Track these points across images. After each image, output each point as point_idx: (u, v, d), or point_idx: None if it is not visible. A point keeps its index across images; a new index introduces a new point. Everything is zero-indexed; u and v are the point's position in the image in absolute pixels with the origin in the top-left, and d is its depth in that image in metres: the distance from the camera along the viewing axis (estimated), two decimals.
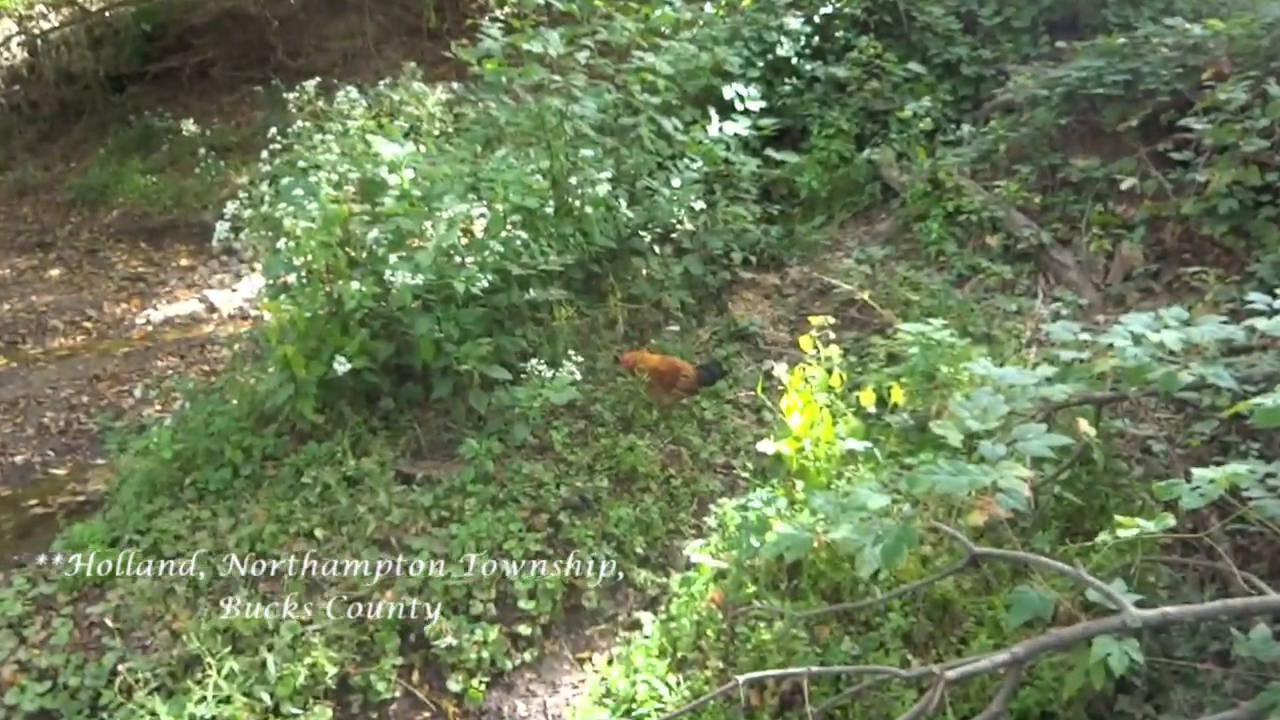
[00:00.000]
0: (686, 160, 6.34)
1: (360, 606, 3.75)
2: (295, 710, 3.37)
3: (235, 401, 4.74)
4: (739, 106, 7.13)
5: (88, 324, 7.50)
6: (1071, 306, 5.41)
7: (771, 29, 7.67)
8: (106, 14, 11.89)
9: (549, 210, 5.09)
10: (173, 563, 3.96)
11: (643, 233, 5.92)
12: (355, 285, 4.27)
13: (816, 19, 7.84)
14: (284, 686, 3.40)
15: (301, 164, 4.73)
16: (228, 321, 7.18)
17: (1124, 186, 5.77)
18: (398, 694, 3.52)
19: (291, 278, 4.51)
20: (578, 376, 4.55)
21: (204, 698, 3.32)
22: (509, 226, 4.75)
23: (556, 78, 5.76)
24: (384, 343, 4.54)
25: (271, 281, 4.69)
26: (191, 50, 11.95)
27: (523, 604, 3.76)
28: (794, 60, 7.69)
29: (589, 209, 5.34)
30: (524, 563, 3.91)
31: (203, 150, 5.87)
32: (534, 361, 4.52)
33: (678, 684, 3.42)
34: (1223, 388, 3.09)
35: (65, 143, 11.71)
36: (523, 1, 5.94)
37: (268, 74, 10.87)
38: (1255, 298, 3.29)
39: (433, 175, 4.92)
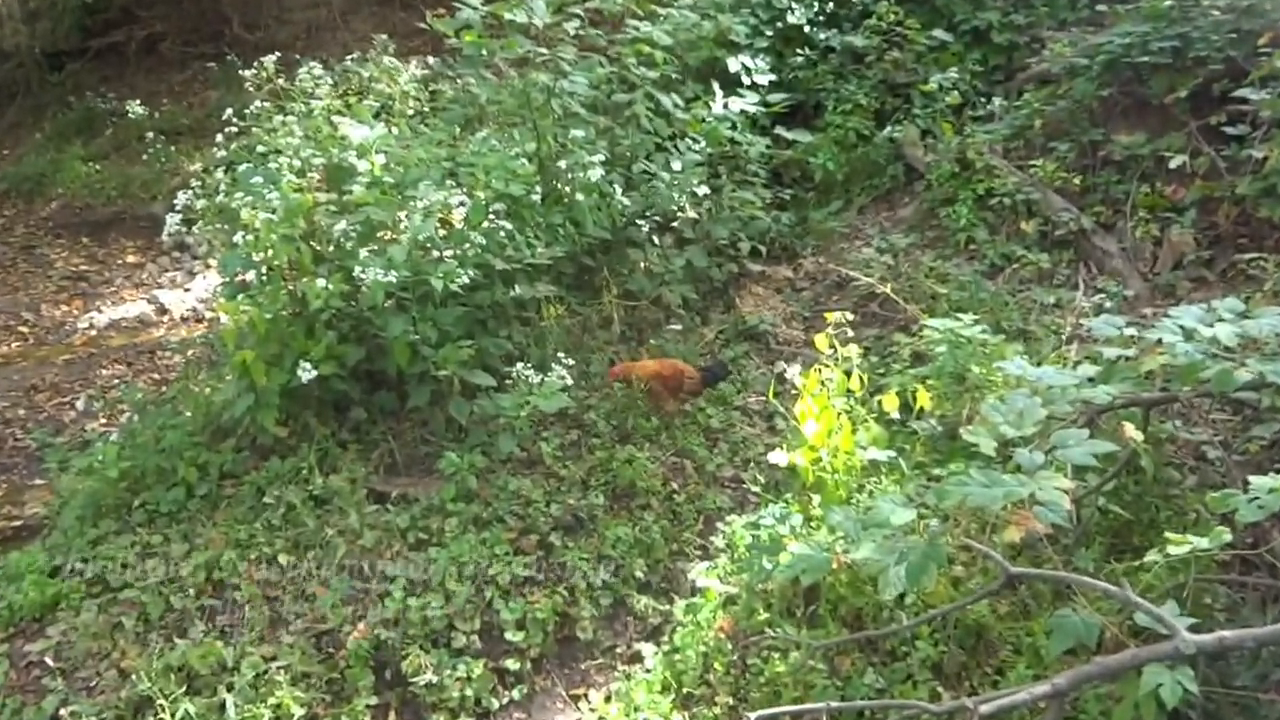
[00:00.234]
0: (688, 141, 6.35)
1: (329, 640, 3.74)
2: None
3: (189, 414, 4.73)
4: (746, 80, 7.14)
5: (24, 329, 7.49)
6: (1116, 298, 5.42)
7: None
8: None
9: (536, 198, 5.09)
10: (120, 594, 3.95)
11: (640, 222, 5.92)
12: (321, 283, 4.27)
13: None
14: None
15: (260, 149, 4.72)
16: (180, 325, 7.18)
17: (1173, 165, 5.78)
18: None
19: (250, 275, 4.50)
20: (569, 382, 4.55)
21: None
22: (491, 216, 4.75)
23: (543, 50, 5.76)
24: (354, 347, 4.54)
25: (228, 280, 4.68)
26: (138, 23, 11.95)
27: (510, 636, 3.75)
28: (806, 28, 7.71)
29: (580, 196, 5.34)
30: (511, 590, 3.90)
31: (151, 134, 5.87)
32: (520, 365, 4.52)
33: None
34: None
35: None
36: None
37: (222, 49, 10.88)
38: None
39: (406, 160, 4.92)
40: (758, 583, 3.66)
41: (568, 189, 5.39)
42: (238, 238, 4.34)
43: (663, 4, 6.82)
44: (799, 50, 7.65)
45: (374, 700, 3.57)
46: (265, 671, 3.58)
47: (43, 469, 5.23)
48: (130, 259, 8.55)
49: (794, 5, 7.68)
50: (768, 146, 6.93)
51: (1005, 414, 3.09)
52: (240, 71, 5.26)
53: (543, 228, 5.21)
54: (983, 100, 7.18)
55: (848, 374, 4.17)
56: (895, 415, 4.21)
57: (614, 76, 6.22)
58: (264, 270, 4.49)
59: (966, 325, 4.35)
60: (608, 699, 3.64)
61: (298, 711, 3.46)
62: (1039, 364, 3.79)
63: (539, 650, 3.76)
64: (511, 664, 3.70)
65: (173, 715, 3.39)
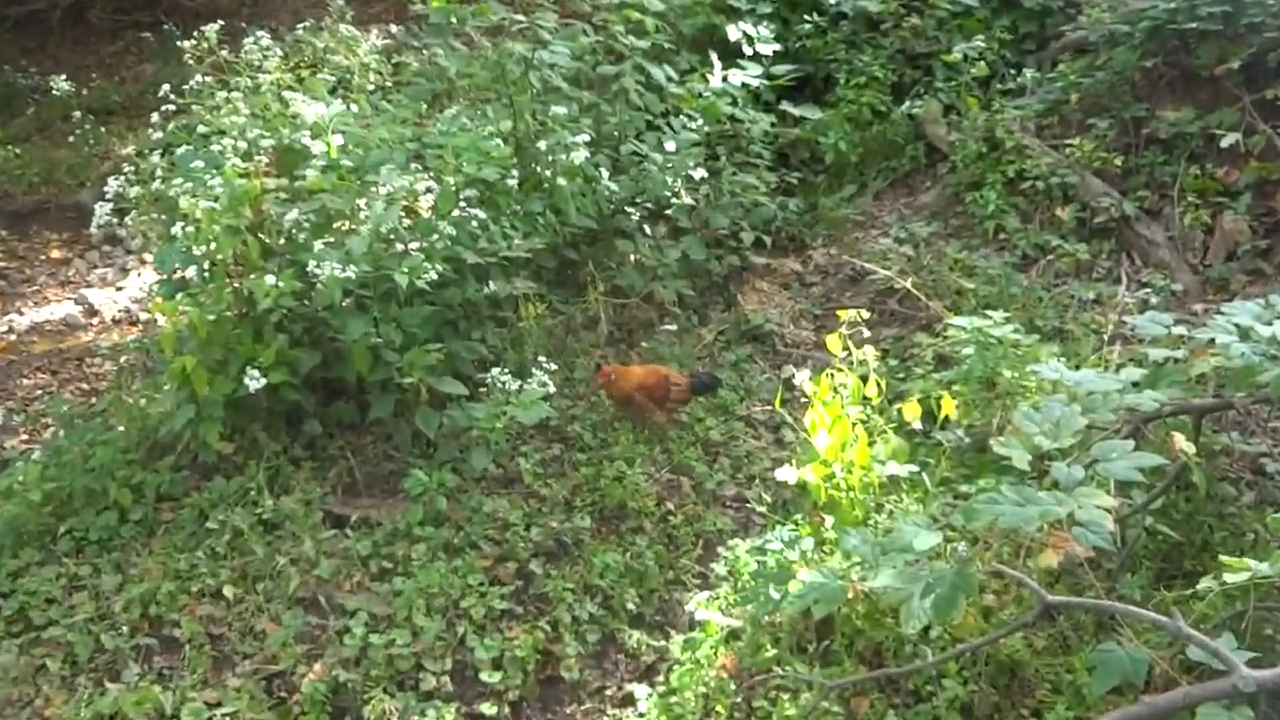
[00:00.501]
0: (683, 118, 6.35)
1: (282, 683, 3.72)
2: None
3: (121, 428, 4.71)
4: (747, 50, 7.14)
5: None
6: (1162, 293, 5.43)
7: None
8: None
9: (512, 183, 5.09)
10: (44, 633, 3.92)
11: (629, 209, 5.92)
12: (270, 280, 4.25)
13: None
14: None
15: (202, 129, 4.71)
16: (111, 328, 7.14)
17: (1224, 144, 5.80)
18: None
19: (190, 272, 4.48)
20: (551, 389, 4.54)
21: None
22: (462, 204, 4.74)
23: (519, 17, 5.76)
24: (308, 351, 4.52)
25: (165, 277, 4.66)
26: None
27: (486, 676, 3.74)
28: None
29: (562, 181, 5.34)
30: (487, 624, 3.89)
31: (78, 114, 5.87)
32: (496, 372, 4.51)
33: None
34: None
35: None
36: None
37: (158, 17, 10.84)
38: None
39: (366, 141, 4.91)
40: (764, 615, 3.66)
41: (548, 173, 5.38)
42: (176, 229, 4.32)
43: None
44: (806, 16, 7.65)
45: None
46: (209, 719, 3.56)
47: None
48: (55, 254, 8.51)
49: None
50: (772, 125, 6.93)
51: (1040, 423, 3.09)
52: (179, 42, 5.24)
53: (520, 217, 5.21)
54: (1012, 72, 7.20)
55: (864, 379, 4.17)
56: (917, 425, 4.20)
57: (599, 46, 6.22)
58: (206, 266, 4.46)
59: (996, 324, 4.36)
60: None
61: None
62: (1077, 367, 3.81)
63: (518, 693, 3.74)
64: (487, 708, 3.68)
65: None
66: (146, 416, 4.70)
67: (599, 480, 4.56)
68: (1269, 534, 3.49)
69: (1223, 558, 2.75)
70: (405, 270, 4.33)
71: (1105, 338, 4.95)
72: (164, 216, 4.57)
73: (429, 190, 4.65)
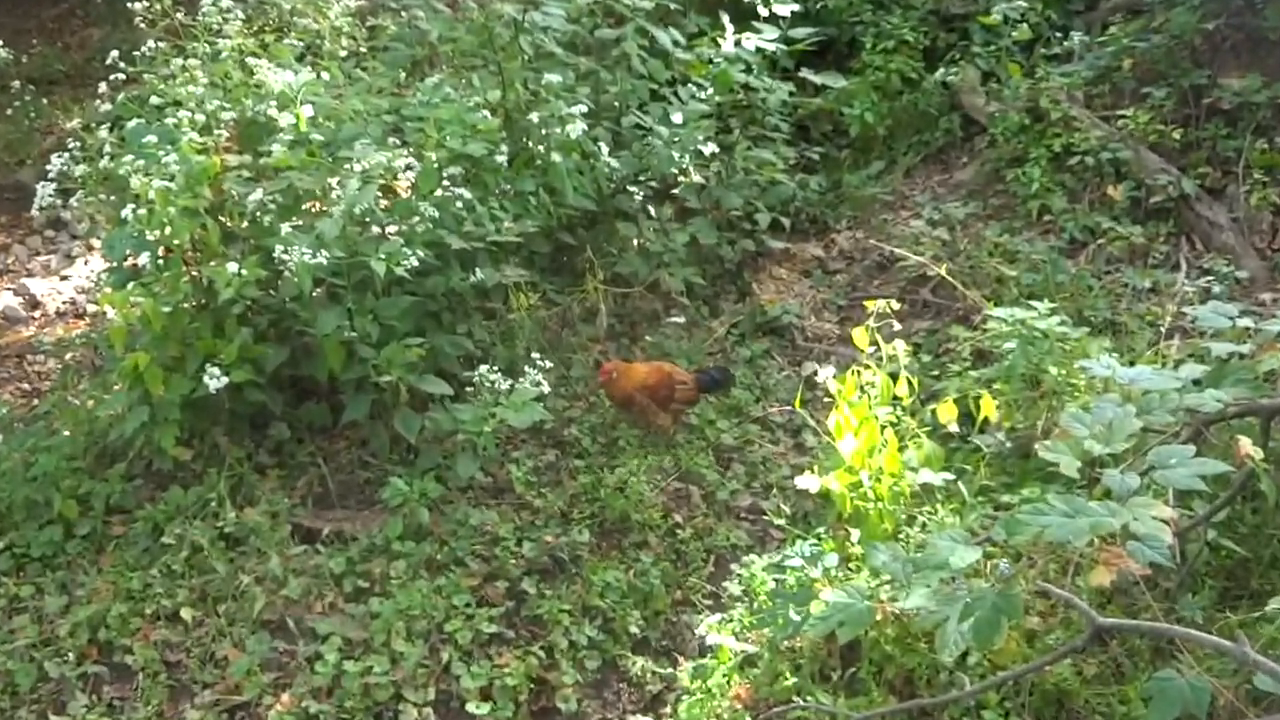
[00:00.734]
0: (691, 87, 6.34)
1: (245, 715, 3.71)
2: None
3: (67, 433, 4.71)
4: (763, 11, 7.12)
5: None
6: (1226, 281, 5.42)
7: None
8: None
9: (501, 159, 5.08)
10: None
11: (632, 189, 5.92)
12: (232, 268, 4.25)
13: None
14: None
15: (155, 100, 4.70)
16: (55, 321, 7.14)
17: None
18: None
19: (143, 259, 4.48)
20: (546, 389, 4.54)
21: None
22: (446, 183, 4.74)
23: None
24: (274, 347, 4.53)
25: (115, 264, 4.65)
26: None
27: (473, 708, 3.74)
28: None
29: (557, 157, 5.33)
30: (474, 650, 3.89)
31: (17, 84, 5.84)
32: (484, 369, 4.51)
33: None
34: None
35: None
36: None
37: None
38: None
39: (339, 113, 4.90)
40: (783, 639, 3.65)
41: (541, 148, 5.37)
42: (126, 212, 4.32)
43: None
44: None
45: None
46: None
47: None
48: None
49: None
50: (791, 94, 6.92)
51: (1091, 426, 3.09)
52: (129, 4, 5.23)
53: (510, 197, 5.20)
54: (1058, 35, 7.18)
55: (894, 377, 4.16)
56: (953, 428, 4.20)
57: (598, 7, 6.21)
58: (160, 252, 4.45)
59: (1041, 315, 4.35)
60: None
61: None
62: (1132, 363, 3.79)
63: None
64: None
65: None
66: (94, 420, 4.70)
67: (599, 490, 4.56)
68: None
69: None
70: (382, 256, 4.32)
71: (1162, 330, 4.94)
72: (113, 197, 4.56)
73: (408, 168, 4.64)
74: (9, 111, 7.53)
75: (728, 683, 3.71)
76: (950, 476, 3.98)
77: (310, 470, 4.65)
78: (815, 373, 4.50)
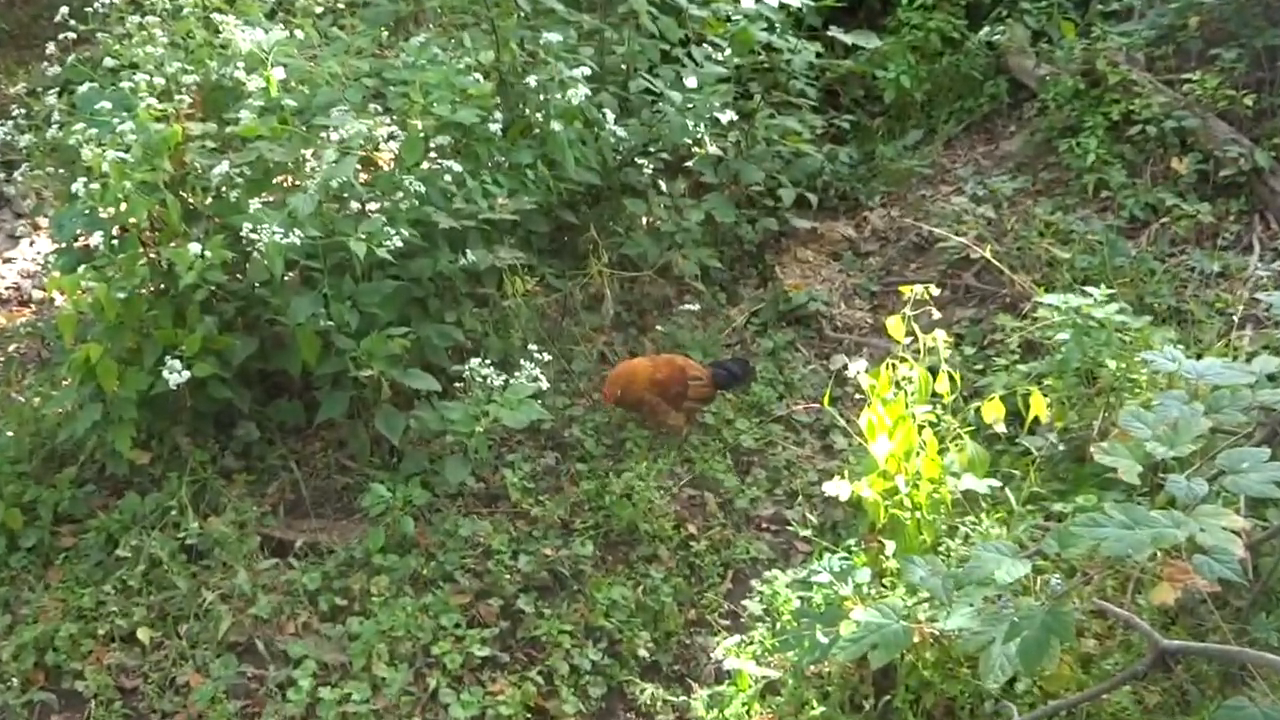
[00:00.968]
0: (707, 48, 6.33)
1: None
2: None
3: (11, 433, 4.72)
4: None
5: None
6: None
7: None
8: None
9: (495, 128, 5.08)
10: None
11: (641, 161, 5.91)
12: (195, 249, 4.25)
13: None
14: None
15: (109, 62, 4.70)
16: None
17: None
18: None
19: (96, 239, 4.48)
20: (544, 384, 4.54)
21: None
22: (433, 154, 4.74)
23: None
24: (241, 337, 4.52)
25: (65, 245, 4.65)
26: None
27: None
28: None
29: (557, 126, 5.32)
30: (464, 675, 3.89)
31: None
32: (476, 362, 4.51)
33: None
34: None
35: None
36: None
37: None
38: None
39: (314, 77, 4.90)
40: (809, 664, 3.65)
41: (539, 116, 5.37)
42: (78, 186, 4.32)
43: None
44: None
45: None
46: None
47: None
48: None
49: None
50: (818, 55, 6.92)
51: (1153, 426, 3.08)
52: None
53: (505, 170, 5.20)
54: None
55: (933, 371, 4.16)
56: (1000, 429, 4.19)
57: None
58: (115, 232, 4.46)
59: (1097, 303, 4.33)
60: None
61: None
62: (1199, 356, 3.78)
63: None
64: None
65: None
66: (41, 419, 4.71)
67: (603, 497, 4.56)
68: None
69: None
70: (362, 236, 4.32)
71: (1234, 320, 4.93)
72: (62, 171, 4.56)
73: (391, 138, 4.64)
74: None
75: (747, 712, 3.71)
76: (996, 483, 3.97)
77: (282, 475, 4.65)
78: (845, 366, 4.48)
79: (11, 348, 5.69)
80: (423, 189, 4.58)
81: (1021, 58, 7.03)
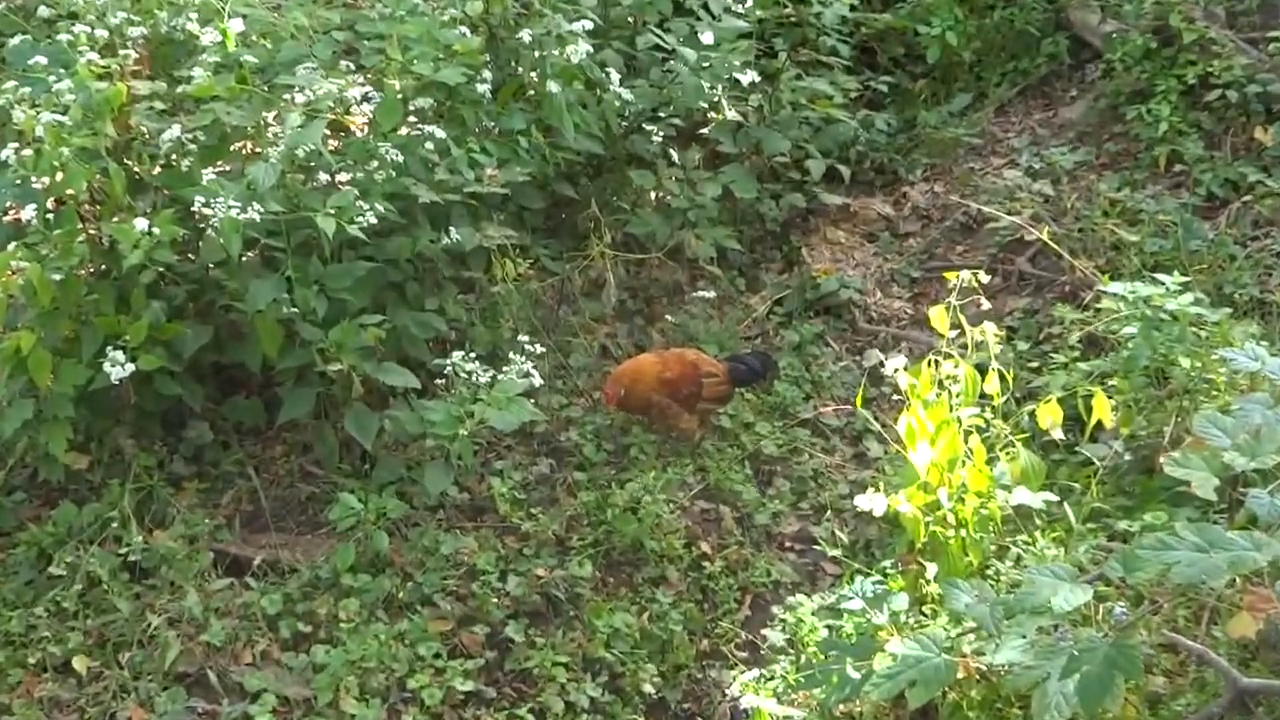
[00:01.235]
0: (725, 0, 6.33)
1: None
2: None
3: None
4: None
5: None
6: None
7: None
8: None
9: (483, 89, 5.07)
10: None
11: (650, 127, 5.90)
12: (141, 224, 4.25)
13: None
14: None
15: (44, 11, 4.70)
16: None
17: None
18: None
19: (29, 212, 4.48)
20: (538, 381, 4.52)
21: None
22: (413, 118, 4.73)
23: None
24: (194, 326, 4.52)
25: None
26: None
27: None
28: None
29: (554, 87, 5.31)
30: (445, 713, 3.89)
31: None
32: (460, 356, 4.50)
33: None
34: None
35: None
36: None
37: None
38: None
39: (277, 29, 4.89)
40: (838, 702, 3.64)
41: (534, 75, 5.36)
42: (8, 153, 4.32)
43: None
44: None
45: None
46: None
47: None
48: None
49: None
50: (852, 8, 6.90)
51: (1232, 434, 3.07)
52: None
53: (494, 137, 5.19)
54: None
55: (981, 370, 4.15)
56: (1057, 435, 4.18)
57: None
58: (50, 204, 4.46)
59: (1170, 292, 4.32)
60: None
61: None
62: None
63: None
64: None
65: None
66: None
67: (604, 510, 4.55)
68: None
69: None
70: (331, 212, 4.31)
71: None
72: None
73: (365, 99, 4.63)
74: None
75: None
76: (1053, 497, 3.96)
77: (238, 483, 4.65)
78: (881, 363, 4.48)
79: None
80: (400, 158, 4.57)
81: (1084, 12, 7.01)
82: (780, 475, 4.92)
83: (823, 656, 3.75)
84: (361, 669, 3.93)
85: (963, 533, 4.00)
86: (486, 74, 5.09)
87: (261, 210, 4.24)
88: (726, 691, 4.04)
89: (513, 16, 5.46)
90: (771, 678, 3.98)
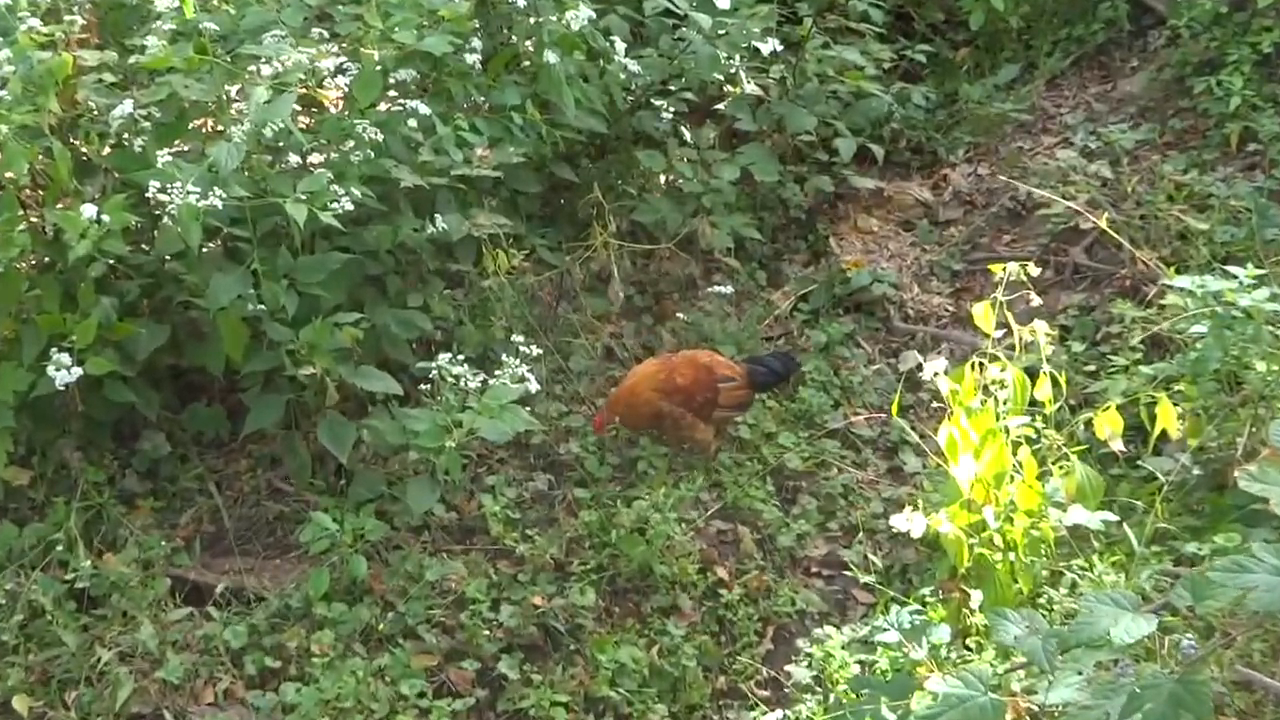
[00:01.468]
0: None
1: None
2: None
3: None
4: None
5: None
6: None
7: None
8: None
9: (472, 59, 5.07)
10: None
11: (660, 102, 5.90)
12: (89, 211, 4.25)
13: None
14: None
15: None
16: None
17: None
18: None
19: None
20: (534, 387, 4.52)
21: None
22: (394, 93, 4.73)
23: None
24: (148, 325, 4.52)
25: None
26: None
27: None
28: None
29: (551, 58, 5.31)
30: None
31: None
32: (446, 358, 4.49)
33: None
34: None
35: None
36: None
37: None
38: None
39: None
40: None
41: (529, 44, 5.37)
42: None
43: None
44: None
45: None
46: None
47: None
48: None
49: None
50: None
51: None
52: None
53: (485, 113, 5.19)
54: None
55: (1031, 374, 4.14)
56: (1117, 447, 4.17)
57: None
58: None
59: (1243, 287, 4.31)
60: None
61: None
62: None
63: None
64: None
65: None
66: None
67: (609, 532, 4.54)
68: None
69: None
70: (302, 197, 4.31)
71: None
72: None
73: (340, 71, 4.64)
74: None
75: None
76: (1112, 516, 3.95)
77: (198, 500, 4.65)
78: (919, 366, 4.47)
79: None
80: (380, 137, 4.57)
81: None
82: (806, 492, 4.92)
83: (854, 696, 3.75)
84: (337, 709, 3.93)
85: (1011, 556, 4.00)
86: (476, 42, 5.08)
87: (224, 196, 4.22)
88: None
89: None
90: (796, 718, 3.98)
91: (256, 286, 4.39)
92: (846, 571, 4.59)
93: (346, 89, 4.68)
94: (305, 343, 4.39)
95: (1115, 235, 5.40)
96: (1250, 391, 4.25)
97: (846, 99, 6.44)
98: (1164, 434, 4.14)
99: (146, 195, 4.26)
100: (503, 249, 5.17)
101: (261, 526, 4.64)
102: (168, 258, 4.50)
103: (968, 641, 3.91)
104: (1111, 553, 4.04)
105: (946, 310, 5.84)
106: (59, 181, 4.43)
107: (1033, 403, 4.14)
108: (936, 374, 4.16)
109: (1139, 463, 4.30)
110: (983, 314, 4.20)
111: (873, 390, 5.37)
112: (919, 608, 3.99)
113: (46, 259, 4.50)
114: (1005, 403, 4.07)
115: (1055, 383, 4.16)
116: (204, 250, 4.42)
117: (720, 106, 6.19)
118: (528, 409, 4.47)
